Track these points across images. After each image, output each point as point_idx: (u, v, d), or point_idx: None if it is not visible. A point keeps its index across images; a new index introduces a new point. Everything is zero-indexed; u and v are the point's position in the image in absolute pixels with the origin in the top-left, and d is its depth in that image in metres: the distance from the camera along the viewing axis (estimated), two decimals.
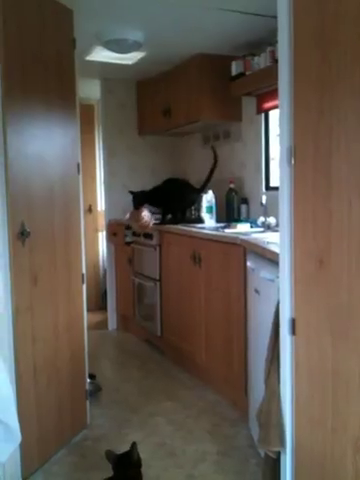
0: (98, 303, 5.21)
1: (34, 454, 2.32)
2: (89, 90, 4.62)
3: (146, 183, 4.78)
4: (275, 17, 1.82)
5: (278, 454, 1.90)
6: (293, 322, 1.79)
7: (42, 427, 2.37)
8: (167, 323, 3.82)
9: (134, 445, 2.06)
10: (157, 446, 2.54)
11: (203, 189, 3.82)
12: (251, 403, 2.57)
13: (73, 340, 2.61)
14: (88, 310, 2.77)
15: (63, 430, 2.54)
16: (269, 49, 3.16)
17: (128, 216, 4.14)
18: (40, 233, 2.33)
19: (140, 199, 3.99)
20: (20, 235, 2.18)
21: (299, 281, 1.75)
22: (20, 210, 2.20)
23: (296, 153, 1.73)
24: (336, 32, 1.52)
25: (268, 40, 3.19)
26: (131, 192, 4.03)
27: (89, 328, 2.80)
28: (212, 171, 3.78)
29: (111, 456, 2.08)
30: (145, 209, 3.97)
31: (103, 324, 4.77)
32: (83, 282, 2.69)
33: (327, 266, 1.59)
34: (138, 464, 2.06)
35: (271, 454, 1.91)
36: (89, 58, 3.76)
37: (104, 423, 2.80)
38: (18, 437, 1.94)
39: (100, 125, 4.97)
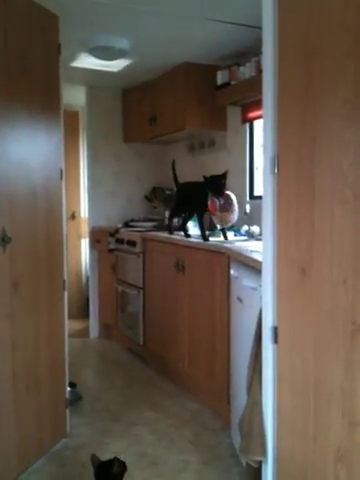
0: (80, 311, 5.16)
1: (12, 463, 2.28)
2: (74, 97, 4.61)
3: (131, 190, 4.79)
4: (261, 28, 1.84)
5: (260, 464, 1.89)
6: (275, 330, 1.79)
7: (20, 435, 2.32)
8: (150, 331, 3.80)
9: (115, 460, 2.06)
10: (139, 456, 2.51)
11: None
12: (234, 412, 2.56)
13: (54, 348, 2.57)
14: (70, 318, 2.74)
15: (42, 439, 2.50)
16: (254, 59, 3.19)
17: (211, 204, 3.33)
18: (22, 239, 2.30)
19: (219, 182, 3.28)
20: (1, 241, 2.15)
21: (282, 289, 1.76)
22: (1, 215, 2.17)
23: (280, 163, 1.74)
24: (320, 45, 1.54)
25: (253, 50, 3.22)
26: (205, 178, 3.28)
27: (71, 336, 2.77)
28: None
29: (95, 461, 2.09)
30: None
31: (85, 332, 4.72)
32: (64, 289, 2.66)
33: (309, 275, 1.60)
34: (120, 474, 2.05)
35: (253, 463, 1.90)
36: (74, 64, 3.75)
37: (85, 432, 2.76)
38: None
39: (85, 132, 4.95)
